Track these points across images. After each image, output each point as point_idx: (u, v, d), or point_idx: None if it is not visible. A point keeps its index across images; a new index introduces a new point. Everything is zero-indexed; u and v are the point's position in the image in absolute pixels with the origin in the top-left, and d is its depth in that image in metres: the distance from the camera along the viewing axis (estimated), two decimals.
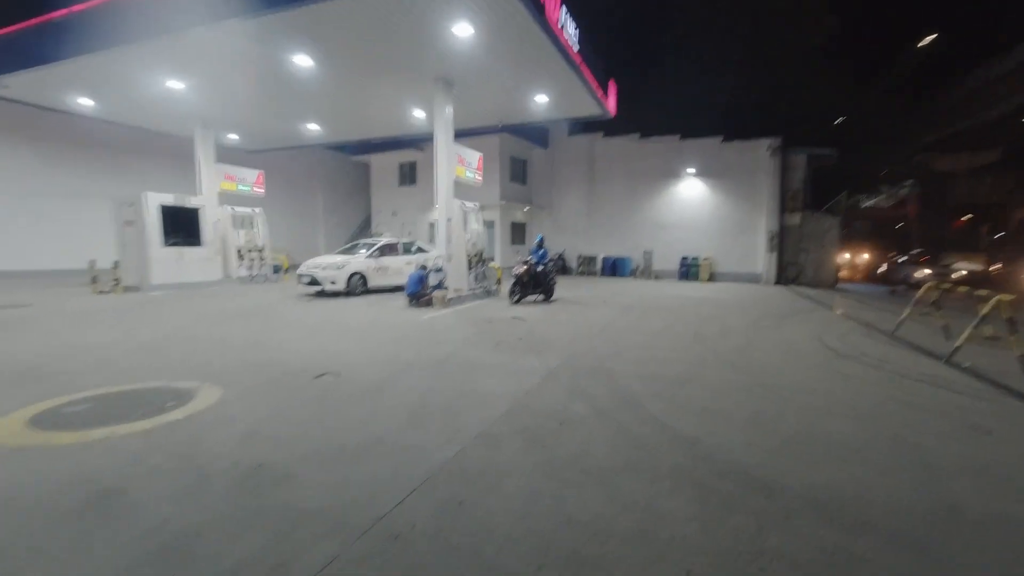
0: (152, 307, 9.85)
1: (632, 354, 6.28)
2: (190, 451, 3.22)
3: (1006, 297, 5.88)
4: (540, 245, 11.42)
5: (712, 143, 18.87)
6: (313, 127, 16.07)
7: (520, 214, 22.35)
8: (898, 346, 7.06)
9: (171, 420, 3.74)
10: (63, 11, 9.62)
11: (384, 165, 23.92)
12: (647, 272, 19.90)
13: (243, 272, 15.20)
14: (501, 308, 10.27)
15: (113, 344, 6.35)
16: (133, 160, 18.11)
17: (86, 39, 9.62)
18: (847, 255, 30.75)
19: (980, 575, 2.16)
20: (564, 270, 21.40)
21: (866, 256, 30.24)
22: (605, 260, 20.90)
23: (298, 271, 12.20)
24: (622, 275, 20.48)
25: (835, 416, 4.12)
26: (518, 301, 10.85)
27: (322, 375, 5.00)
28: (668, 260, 19.62)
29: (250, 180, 16.45)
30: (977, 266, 21.48)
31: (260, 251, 15.72)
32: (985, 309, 5.99)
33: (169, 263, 12.86)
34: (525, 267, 10.89)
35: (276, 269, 16.45)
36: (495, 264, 13.56)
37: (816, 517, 2.56)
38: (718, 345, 6.95)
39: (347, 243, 17.25)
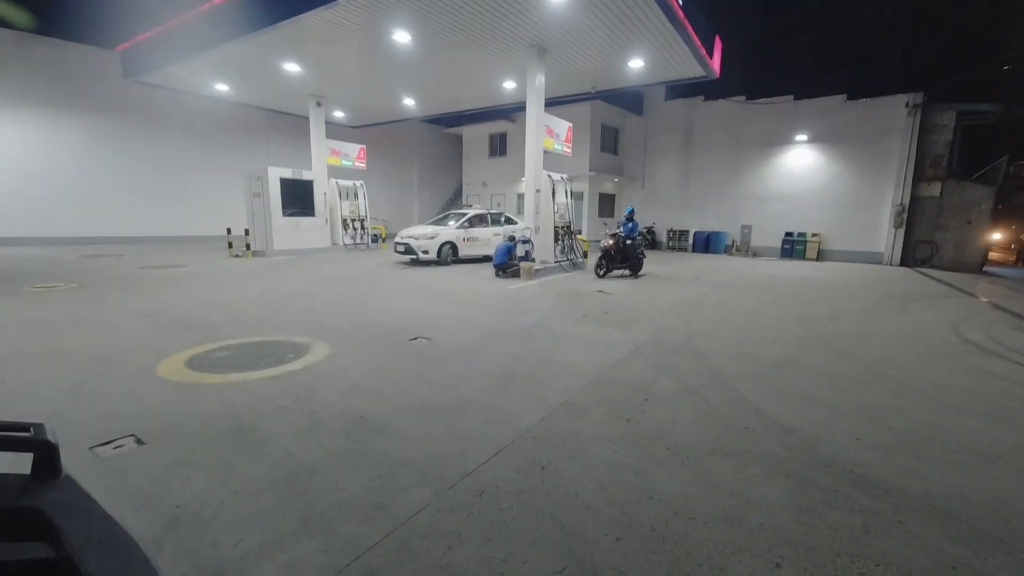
0: (275, 270, 11.13)
1: (724, 332, 5.94)
2: (307, 397, 3.67)
3: None
4: (629, 218, 11.03)
5: (833, 103, 16.58)
6: (409, 102, 16.70)
7: (610, 185, 21.65)
8: None
9: (292, 370, 4.27)
10: (206, 4, 10.83)
11: (475, 137, 24.32)
12: (744, 248, 18.41)
13: (347, 240, 16.52)
14: (587, 281, 10.18)
15: (246, 301, 7.31)
16: (260, 139, 20.30)
17: (224, 28, 10.80)
18: (1001, 234, 26.03)
19: None
20: (653, 244, 20.51)
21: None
22: (698, 235, 19.64)
23: (395, 240, 13.01)
24: (716, 251, 19.15)
25: (968, 414, 3.62)
26: (604, 275, 10.66)
27: (416, 338, 5.36)
28: (769, 236, 17.95)
29: (352, 155, 17.63)
30: None
31: (362, 221, 16.93)
32: None
33: (288, 231, 14.36)
34: (612, 240, 10.62)
35: (375, 238, 17.66)
36: (582, 237, 13.38)
37: (935, 525, 2.31)
38: (824, 329, 6.33)
39: (439, 214, 18.00)
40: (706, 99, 19.05)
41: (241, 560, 1.96)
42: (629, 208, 11.45)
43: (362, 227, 16.92)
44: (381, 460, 2.78)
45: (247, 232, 14.36)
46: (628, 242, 10.69)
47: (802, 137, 17.20)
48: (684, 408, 3.60)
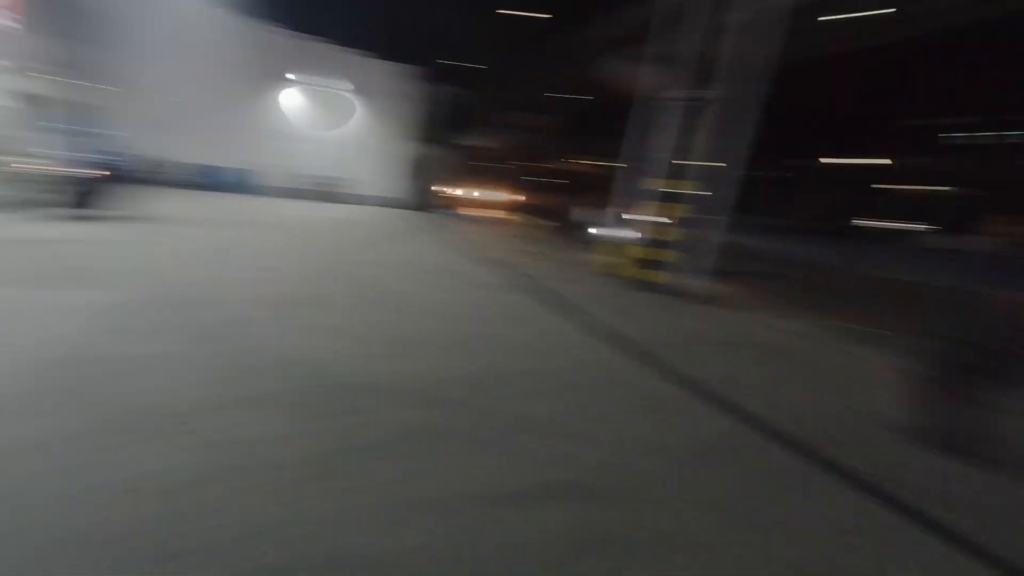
0: None
1: (244, 275, 5.60)
2: None
3: (543, 222, 8.33)
4: (106, 140, 8.22)
5: (365, 59, 18.33)
6: None
7: (89, 92, 15.52)
8: (487, 261, 9.01)
9: None
10: None
11: None
12: (269, 190, 17.40)
13: None
14: (50, 225, 7.10)
15: None
16: None
17: None
18: (465, 186, 36.83)
19: (512, 403, 3.01)
20: (151, 178, 15.25)
21: (477, 188, 37.27)
22: (216, 171, 16.57)
23: None
24: (237, 190, 16.65)
25: (430, 317, 4.91)
26: (78, 215, 7.60)
27: None
28: (297, 177, 18.07)
29: None
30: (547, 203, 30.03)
31: None
32: (538, 233, 8.35)
33: None
34: (92, 170, 7.73)
35: None
36: (40, 161, 9.13)
37: (406, 403, 2.96)
38: (345, 265, 7.07)
39: None
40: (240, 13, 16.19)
41: None
42: (104, 127, 8.53)
43: None
44: None
45: None
46: (109, 171, 7.98)
47: (338, 83, 18.00)
48: (183, 367, 3.08)
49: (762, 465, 2.75)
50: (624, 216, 8.72)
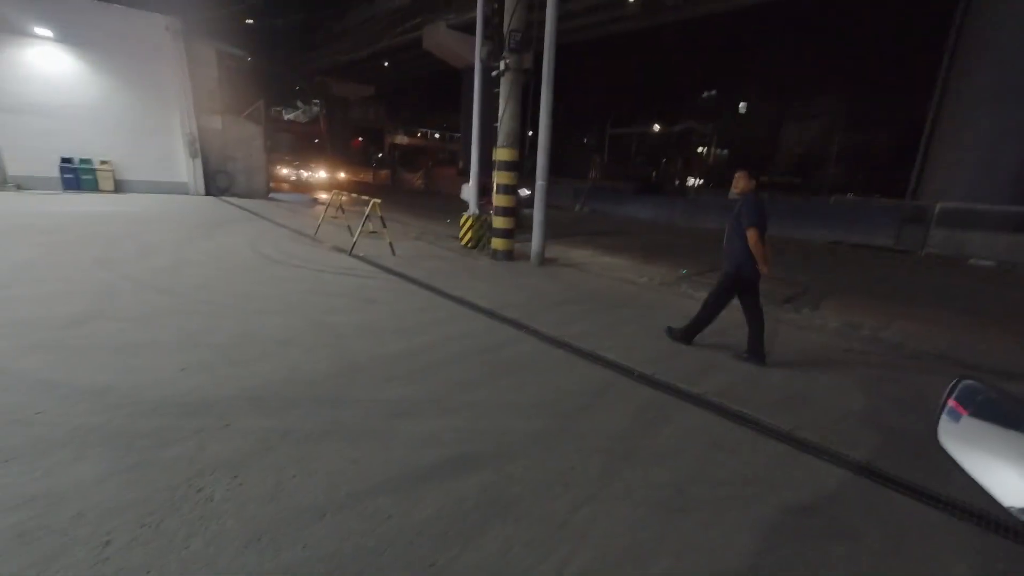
0: None
1: None
2: None
3: (377, 201, 8.01)
4: None
5: (87, 2, 14.04)
6: None
7: None
8: (318, 246, 8.31)
9: None
10: None
11: None
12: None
13: None
14: None
15: None
16: None
17: None
18: (280, 167, 32.81)
19: (361, 394, 2.96)
20: None
21: (292, 167, 33.53)
22: None
23: None
24: None
25: (268, 315, 4.42)
26: None
27: None
28: (40, 163, 13.87)
29: None
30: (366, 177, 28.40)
31: None
32: (370, 211, 7.95)
33: None
34: None
35: None
36: None
37: (251, 411, 2.69)
38: (135, 268, 5.82)
39: None
40: None
41: None
42: None
43: None
44: None
45: None
46: None
47: (48, 32, 13.56)
48: None
49: (591, 374, 3.29)
50: (465, 187, 8.85)
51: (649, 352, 4.07)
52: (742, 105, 38.23)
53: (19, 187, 13.45)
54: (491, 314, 4.91)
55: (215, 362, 3.30)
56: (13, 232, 7.50)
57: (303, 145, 46.62)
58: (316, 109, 48.93)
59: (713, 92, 40.56)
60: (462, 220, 9.23)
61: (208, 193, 16.71)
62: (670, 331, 4.46)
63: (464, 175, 9.46)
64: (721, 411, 3.10)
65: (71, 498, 1.94)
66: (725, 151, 39.19)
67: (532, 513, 2.05)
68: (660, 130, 40.94)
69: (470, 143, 9.38)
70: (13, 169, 13.50)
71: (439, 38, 25.22)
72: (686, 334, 4.28)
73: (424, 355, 3.70)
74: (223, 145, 17.12)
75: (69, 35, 13.80)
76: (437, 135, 58.02)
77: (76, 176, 14.23)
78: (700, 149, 40.30)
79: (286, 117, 49.39)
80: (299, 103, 49.80)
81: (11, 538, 1.73)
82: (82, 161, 14.37)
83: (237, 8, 17.97)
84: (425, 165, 38.93)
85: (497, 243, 8.11)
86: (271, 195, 18.94)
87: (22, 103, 13.45)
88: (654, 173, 40.09)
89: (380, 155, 51.52)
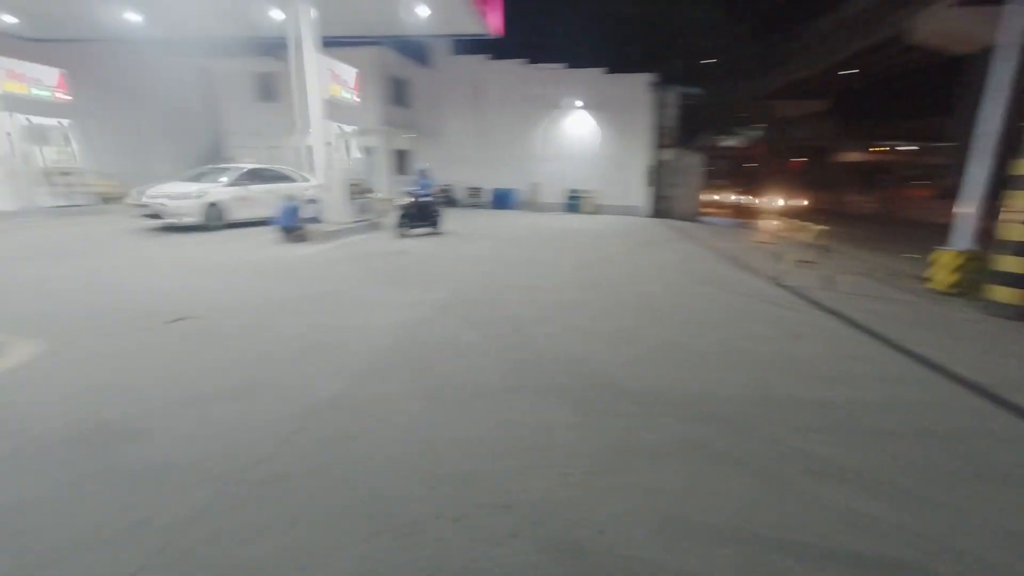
0: None
1: (522, 281, 6.50)
2: (5, 414, 2.68)
3: (820, 228, 7.11)
4: (423, 175, 10.90)
5: (596, 74, 19.10)
6: (131, 16, 12.67)
7: (404, 141, 20.93)
8: (744, 271, 8.23)
9: None
10: None
11: (234, 74, 20.14)
12: (534, 205, 20.25)
13: (54, 201, 12.37)
14: (386, 242, 9.81)
15: None
16: None
17: None
18: (710, 191, 34.41)
19: (774, 433, 2.73)
20: (451, 202, 20.85)
21: (724, 192, 34.32)
22: (494, 192, 20.74)
23: (137, 201, 10.25)
24: (509, 207, 20.40)
25: (692, 325, 4.76)
26: (404, 234, 10.42)
27: (178, 319, 4.39)
28: (554, 193, 20.11)
29: (48, 81, 12.87)
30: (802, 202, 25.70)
31: (74, 174, 12.80)
32: (806, 238, 7.20)
33: None
34: (412, 199, 10.42)
35: (104, 198, 13.63)
36: (381, 194, 12.74)
37: (672, 413, 2.99)
38: (603, 273, 7.48)
39: (196, 168, 14.56)
40: (493, 58, 19.68)
41: None
42: (421, 166, 11.34)
43: (77, 183, 12.86)
44: (136, 468, 2.22)
45: None
46: (425, 199, 10.62)
47: (578, 102, 19.39)
48: (486, 356, 3.83)
49: None
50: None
51: None
52: None
53: (542, 210, 19.92)
54: (977, 389, 3.49)
55: (642, 358, 3.86)
56: (532, 238, 11.14)
57: (738, 170, 46.57)
58: (755, 133, 47.77)
59: None
60: (936, 255, 6.90)
61: (656, 215, 19.53)
62: None
63: (947, 197, 6.99)
64: None
65: (552, 430, 2.76)
66: None
67: None
68: None
69: (969, 153, 6.82)
70: (542, 197, 20.16)
71: (937, 23, 19.59)
72: None
73: (854, 413, 3.06)
74: (669, 173, 19.56)
75: (589, 102, 19.40)
76: (900, 148, 45.24)
77: (573, 203, 19.79)
78: None
79: (723, 144, 50.60)
80: (738, 130, 49.91)
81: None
82: (573, 192, 19.79)
83: (700, 53, 20.08)
84: (881, 185, 31.49)
85: (1003, 294, 5.64)
86: (700, 218, 20.07)
87: (551, 153, 19.94)
88: None
89: (823, 175, 45.06)
